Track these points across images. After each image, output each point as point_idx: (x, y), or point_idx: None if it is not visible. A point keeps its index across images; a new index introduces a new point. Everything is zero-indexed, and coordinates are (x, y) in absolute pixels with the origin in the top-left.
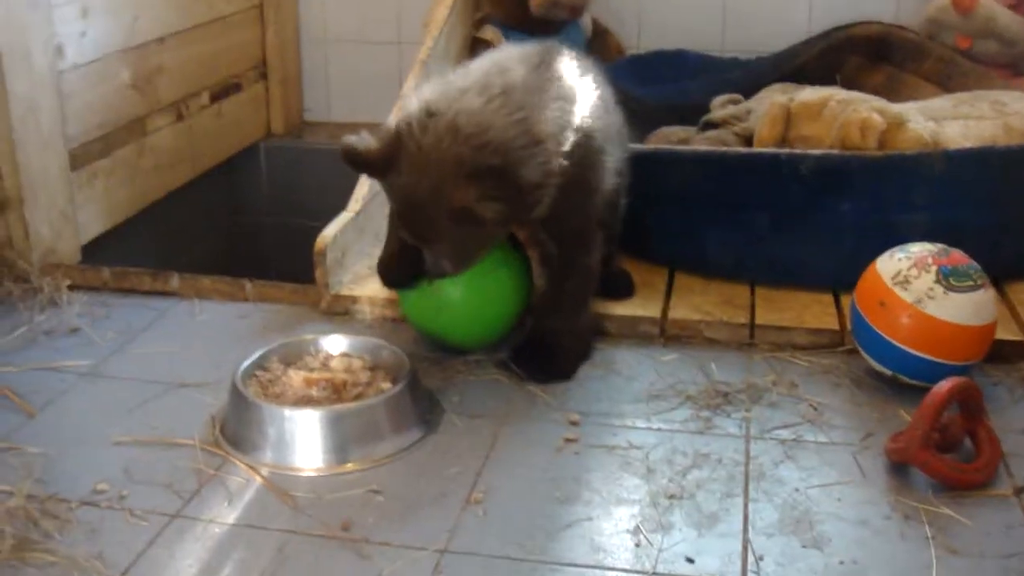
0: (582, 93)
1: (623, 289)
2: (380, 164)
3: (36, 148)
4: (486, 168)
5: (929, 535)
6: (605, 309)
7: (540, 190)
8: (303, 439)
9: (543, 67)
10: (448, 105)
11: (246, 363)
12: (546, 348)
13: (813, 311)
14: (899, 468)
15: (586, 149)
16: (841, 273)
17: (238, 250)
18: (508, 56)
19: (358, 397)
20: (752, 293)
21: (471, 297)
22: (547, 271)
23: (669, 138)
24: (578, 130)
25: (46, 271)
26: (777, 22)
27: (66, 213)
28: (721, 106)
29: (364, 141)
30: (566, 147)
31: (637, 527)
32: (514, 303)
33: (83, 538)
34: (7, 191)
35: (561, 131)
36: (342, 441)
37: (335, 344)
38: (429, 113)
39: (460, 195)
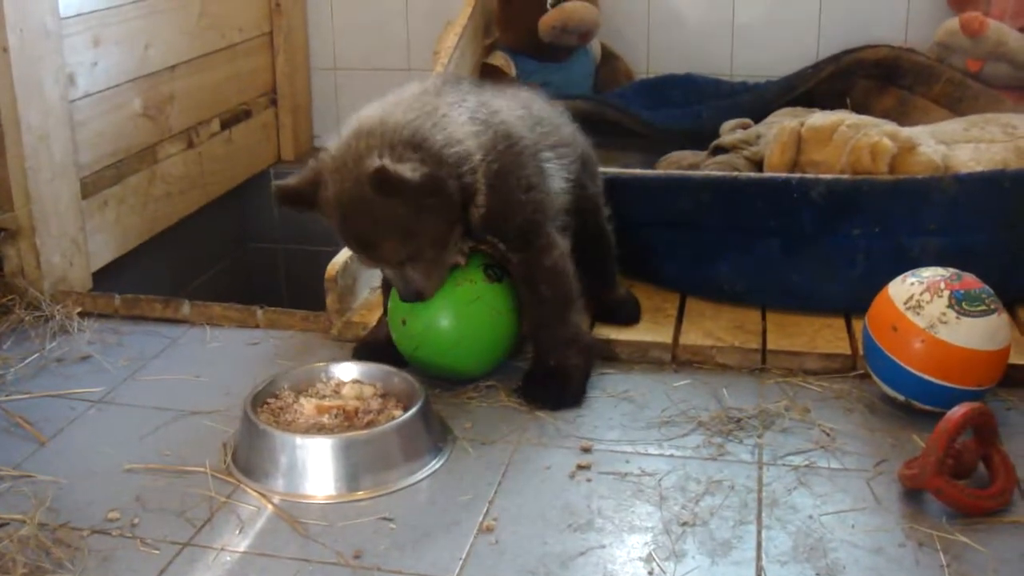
0: (495, 103)
1: (629, 315)
2: (307, 192)
3: (48, 176)
4: (397, 140)
5: (944, 563)
6: (615, 335)
7: (459, 160)
8: (315, 467)
9: (442, 86)
10: (352, 122)
11: (257, 391)
12: (554, 376)
13: (825, 336)
14: (913, 494)
15: (508, 148)
16: (853, 298)
17: (249, 277)
18: (403, 85)
19: (369, 424)
20: (763, 318)
21: (447, 332)
22: (521, 286)
23: (679, 163)
24: (494, 129)
25: (57, 299)
26: (786, 46)
27: (77, 241)
28: (731, 131)
29: (293, 177)
30: (479, 141)
31: (650, 555)
32: (496, 334)
33: (95, 567)
34: (19, 219)
35: (468, 126)
36: (354, 469)
37: (346, 371)
38: (342, 137)
39: (371, 165)
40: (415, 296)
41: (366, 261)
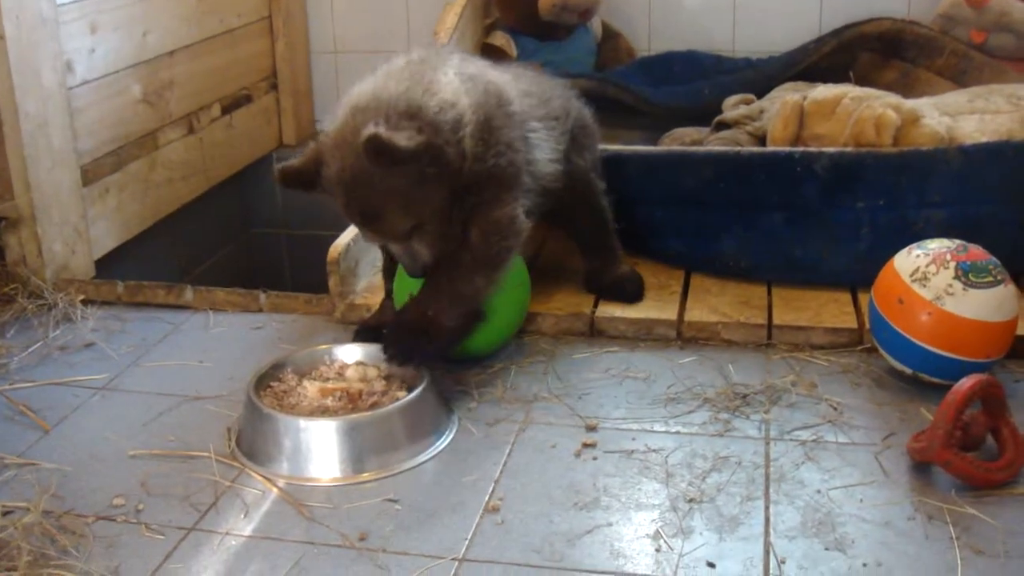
0: (484, 67)
1: (631, 292)
2: (309, 172)
3: (47, 165)
4: (392, 111)
5: (953, 535)
6: (619, 312)
7: (455, 125)
8: (319, 449)
9: (427, 56)
10: (347, 100)
11: (260, 374)
12: (424, 329)
13: (831, 310)
14: (922, 467)
15: (498, 104)
16: (858, 271)
17: (252, 262)
18: (390, 59)
19: (373, 406)
20: (769, 293)
21: None
22: (457, 228)
23: (682, 139)
24: (483, 86)
25: (60, 287)
26: (788, 21)
27: (79, 229)
28: (733, 106)
29: (292, 160)
30: (471, 99)
31: (657, 532)
32: (507, 309)
33: (100, 553)
34: (20, 208)
35: (456, 84)
36: (358, 451)
37: (350, 354)
38: (337, 115)
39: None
40: (423, 270)
41: (371, 236)
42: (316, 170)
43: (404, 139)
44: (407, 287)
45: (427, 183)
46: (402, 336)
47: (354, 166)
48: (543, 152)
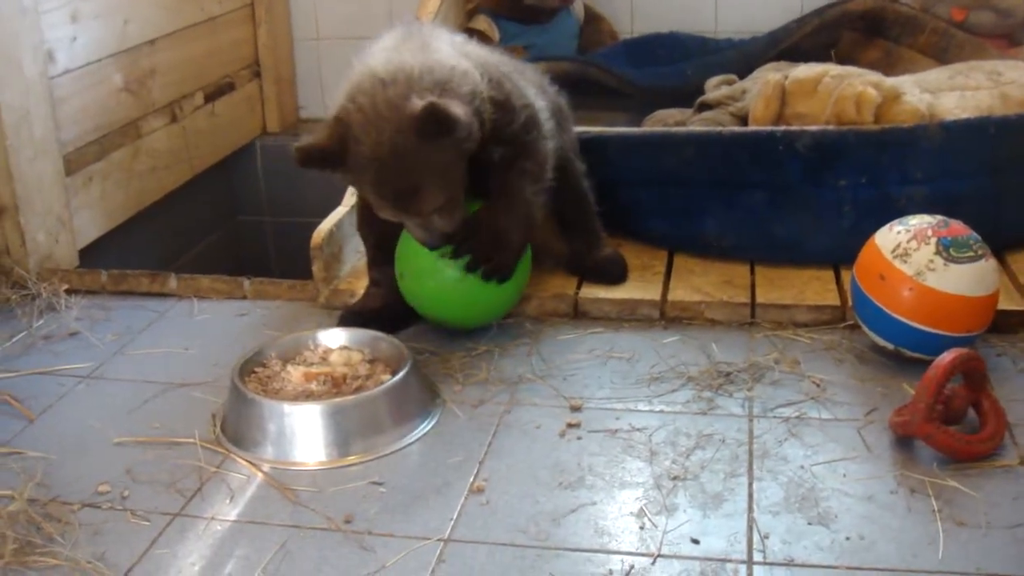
0: (465, 45)
1: (614, 274)
2: (334, 150)
3: (30, 154)
4: (425, 84)
5: (936, 508)
6: (603, 294)
7: (473, 94)
8: (304, 434)
9: (413, 31)
10: (362, 75)
11: (244, 360)
12: (494, 243)
13: (814, 288)
14: (904, 442)
15: (497, 68)
16: (841, 249)
17: (237, 249)
18: (381, 36)
19: (358, 390)
20: (752, 272)
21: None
22: (497, 176)
23: (665, 120)
24: (475, 56)
25: (43, 276)
26: (770, 1)
27: (62, 218)
28: (716, 87)
29: (311, 137)
30: (476, 65)
31: (641, 510)
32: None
33: (85, 540)
34: (2, 198)
35: (462, 57)
36: (343, 434)
37: (333, 338)
38: (360, 90)
39: (417, 105)
40: (443, 240)
41: (398, 214)
42: (342, 148)
43: (459, 109)
44: (415, 261)
45: (460, 157)
46: (481, 247)
47: (393, 140)
48: (544, 113)
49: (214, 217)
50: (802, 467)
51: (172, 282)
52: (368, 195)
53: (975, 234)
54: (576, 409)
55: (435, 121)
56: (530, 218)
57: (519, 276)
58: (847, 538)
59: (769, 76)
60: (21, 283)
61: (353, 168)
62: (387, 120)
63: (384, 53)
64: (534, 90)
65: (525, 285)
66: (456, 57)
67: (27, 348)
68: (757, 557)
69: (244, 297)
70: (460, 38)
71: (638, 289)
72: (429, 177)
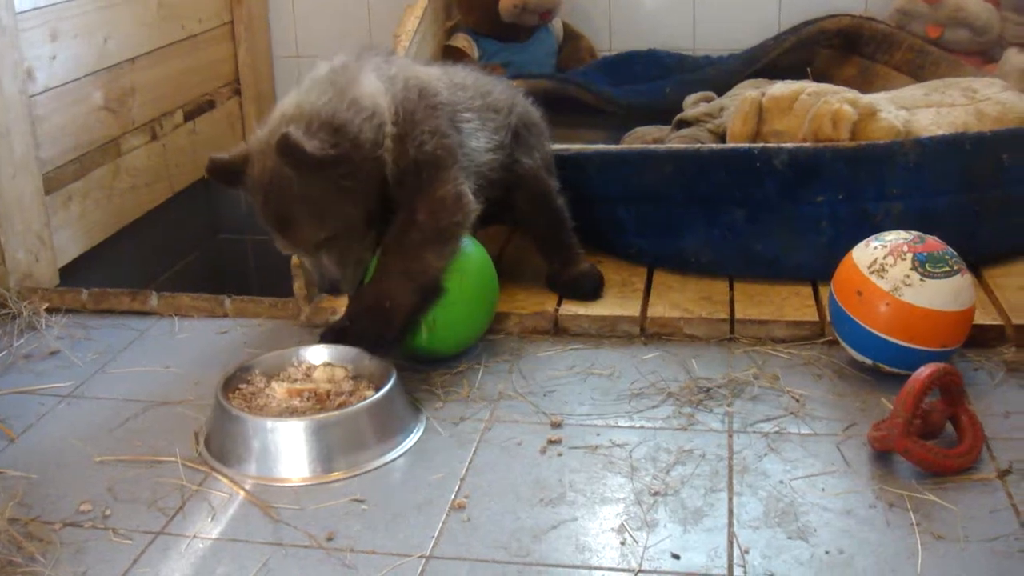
0: (409, 64)
1: (590, 290)
2: (236, 167)
3: (9, 173)
4: (315, 122)
5: (914, 521)
6: (583, 310)
7: (376, 133)
8: (288, 450)
9: (348, 62)
10: (277, 108)
11: (228, 376)
12: (379, 310)
13: (792, 304)
14: (883, 456)
15: (419, 96)
16: (819, 265)
17: (218, 268)
18: (314, 67)
19: (341, 406)
20: (731, 288)
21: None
22: (398, 213)
23: (643, 137)
24: (403, 81)
25: (23, 295)
26: (747, 18)
27: (42, 237)
28: (694, 104)
29: (226, 152)
30: (390, 96)
31: (622, 525)
32: (464, 310)
33: (67, 559)
34: None
35: (376, 84)
36: (327, 451)
37: (317, 355)
38: (267, 119)
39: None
40: (331, 288)
41: (283, 244)
42: (242, 167)
43: (313, 146)
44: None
45: (342, 195)
46: (362, 321)
47: (273, 169)
48: (478, 140)
49: (195, 235)
50: (782, 482)
51: (153, 300)
52: (259, 220)
53: (951, 249)
54: (557, 425)
55: (284, 149)
56: (426, 275)
57: (484, 306)
58: (826, 552)
59: (747, 93)
60: (1, 302)
61: (248, 190)
62: (270, 148)
63: (303, 87)
64: (478, 124)
65: (494, 310)
66: (368, 93)
67: (7, 367)
68: (737, 572)
69: (225, 315)
70: (397, 66)
71: (618, 305)
72: (304, 208)
